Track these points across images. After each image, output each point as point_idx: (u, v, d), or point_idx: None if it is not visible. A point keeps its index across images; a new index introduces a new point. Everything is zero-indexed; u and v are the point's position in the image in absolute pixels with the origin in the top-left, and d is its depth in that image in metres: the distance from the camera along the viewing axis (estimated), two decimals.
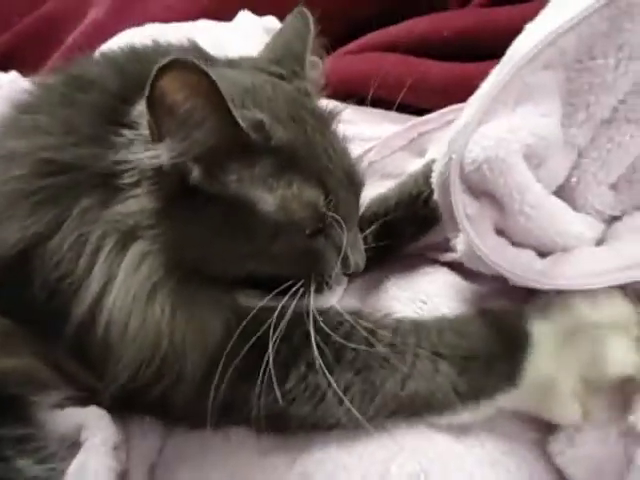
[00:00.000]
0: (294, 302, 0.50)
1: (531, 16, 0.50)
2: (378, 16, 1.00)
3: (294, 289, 0.51)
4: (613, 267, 0.47)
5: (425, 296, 0.59)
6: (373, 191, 0.67)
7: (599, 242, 0.52)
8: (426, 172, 0.63)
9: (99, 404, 0.52)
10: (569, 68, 0.49)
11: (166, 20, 1.06)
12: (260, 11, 1.07)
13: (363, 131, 0.78)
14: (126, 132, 0.47)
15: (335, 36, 0.72)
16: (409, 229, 0.64)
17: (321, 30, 0.64)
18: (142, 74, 0.42)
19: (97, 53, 0.62)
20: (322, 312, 0.51)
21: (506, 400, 0.48)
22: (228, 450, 0.52)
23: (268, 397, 0.48)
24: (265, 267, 0.51)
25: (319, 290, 0.53)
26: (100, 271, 0.47)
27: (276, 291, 0.51)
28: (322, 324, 0.49)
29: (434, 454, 0.47)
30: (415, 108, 0.80)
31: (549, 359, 0.48)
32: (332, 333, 0.49)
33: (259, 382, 0.47)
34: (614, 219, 0.53)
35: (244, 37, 0.98)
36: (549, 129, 0.48)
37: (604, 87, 0.48)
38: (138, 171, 0.47)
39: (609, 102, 0.49)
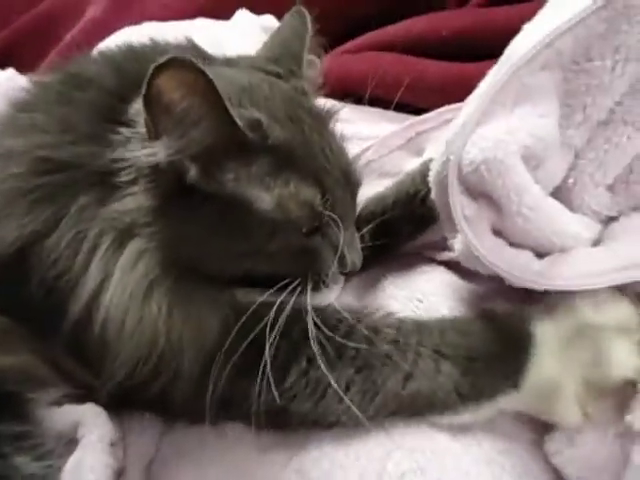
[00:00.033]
0: (293, 298, 0.50)
1: (529, 16, 0.50)
2: (376, 15, 1.00)
3: (291, 287, 0.51)
4: (610, 268, 0.47)
5: (422, 295, 0.59)
6: (371, 190, 0.67)
7: (596, 242, 0.52)
8: (423, 171, 0.63)
9: (96, 401, 0.52)
10: (566, 69, 0.49)
11: (164, 18, 1.06)
12: (258, 10, 1.07)
13: (361, 130, 0.78)
14: (123, 130, 0.47)
15: (333, 35, 0.72)
16: (406, 228, 0.64)
17: (319, 29, 0.64)
18: (139, 72, 0.42)
19: (94, 51, 0.63)
20: (323, 309, 0.51)
21: (508, 401, 0.48)
22: (225, 446, 0.52)
23: (269, 393, 0.48)
24: (262, 266, 0.51)
25: (316, 289, 0.53)
26: (97, 269, 0.47)
27: (274, 288, 0.51)
28: (322, 322, 0.49)
29: (431, 452, 0.47)
30: (413, 107, 0.80)
31: (552, 361, 0.48)
32: (329, 332, 0.48)
33: (259, 378, 0.47)
34: (611, 220, 0.53)
35: (242, 36, 0.98)
36: (547, 130, 0.48)
37: (601, 88, 0.48)
38: (135, 169, 0.47)
39: (606, 103, 0.49)
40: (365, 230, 0.62)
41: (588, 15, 0.46)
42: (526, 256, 0.49)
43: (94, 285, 0.47)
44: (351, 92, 0.74)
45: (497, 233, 0.50)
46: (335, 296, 0.59)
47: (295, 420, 0.50)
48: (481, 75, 0.51)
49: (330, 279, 0.54)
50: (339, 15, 0.99)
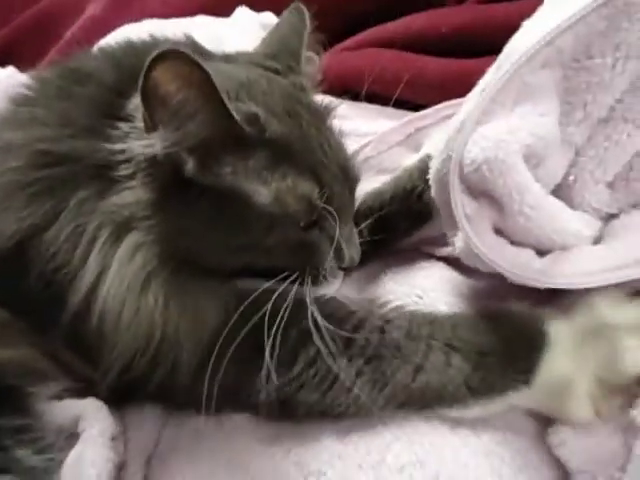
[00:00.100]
0: (295, 286, 0.50)
1: (528, 12, 0.50)
2: (375, 12, 1.00)
3: (290, 279, 0.51)
4: (611, 265, 0.47)
5: (421, 291, 0.59)
6: (369, 186, 0.67)
7: (597, 240, 0.52)
8: (421, 167, 0.63)
9: (97, 395, 0.52)
10: (566, 67, 0.49)
11: (164, 16, 1.06)
12: (258, 7, 1.07)
13: (359, 127, 0.78)
14: (122, 125, 0.47)
15: (332, 32, 0.72)
16: (403, 223, 0.65)
17: (318, 26, 0.64)
18: (138, 68, 0.42)
19: (95, 48, 0.63)
20: (332, 299, 0.51)
21: (519, 397, 0.48)
22: (225, 438, 0.52)
23: (274, 383, 0.47)
24: (260, 259, 0.51)
25: (315, 283, 0.53)
26: (95, 261, 0.47)
27: (276, 279, 0.50)
28: (331, 312, 0.49)
29: (429, 445, 0.48)
30: (412, 104, 0.80)
31: (566, 359, 0.47)
32: (329, 325, 0.48)
33: (265, 367, 0.47)
34: (611, 217, 0.53)
35: (241, 33, 0.98)
36: (547, 128, 0.48)
37: (601, 86, 0.48)
38: (133, 163, 0.47)
39: (606, 101, 0.49)
40: (363, 225, 0.62)
41: (589, 13, 0.45)
42: (527, 254, 0.49)
43: (92, 277, 0.47)
44: (350, 89, 0.74)
45: (498, 232, 0.50)
46: (335, 289, 0.59)
47: (301, 410, 0.50)
48: (480, 72, 0.51)
49: (329, 273, 0.54)
50: (338, 12, 0.99)
